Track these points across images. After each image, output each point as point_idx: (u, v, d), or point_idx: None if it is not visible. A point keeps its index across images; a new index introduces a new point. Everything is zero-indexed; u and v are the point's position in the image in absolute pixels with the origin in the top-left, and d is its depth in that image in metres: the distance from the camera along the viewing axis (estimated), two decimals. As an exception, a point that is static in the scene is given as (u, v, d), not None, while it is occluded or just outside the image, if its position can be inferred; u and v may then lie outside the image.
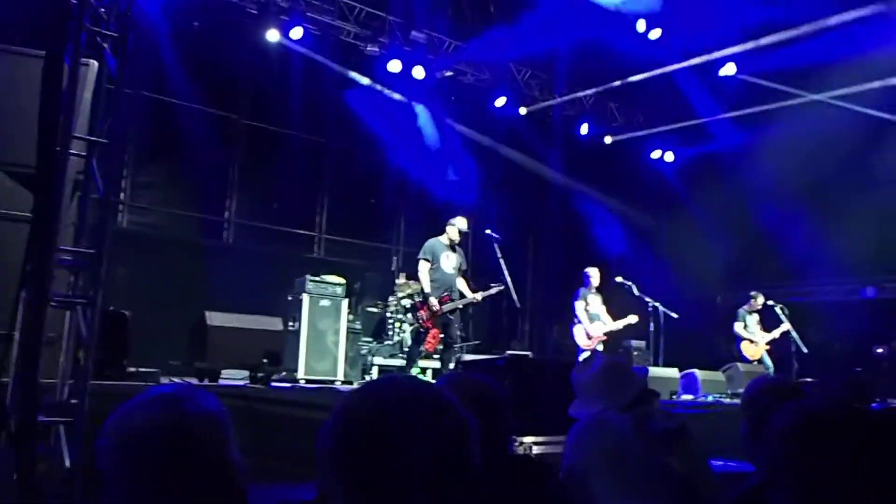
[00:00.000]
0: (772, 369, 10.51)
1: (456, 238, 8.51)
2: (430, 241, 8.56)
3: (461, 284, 8.54)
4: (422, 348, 8.60)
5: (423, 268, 8.40)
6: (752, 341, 10.83)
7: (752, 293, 11.09)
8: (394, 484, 1.13)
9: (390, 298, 10.40)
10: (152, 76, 10.15)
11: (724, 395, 9.47)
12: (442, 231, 8.60)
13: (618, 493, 2.65)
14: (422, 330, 8.49)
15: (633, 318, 9.90)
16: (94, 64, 5.01)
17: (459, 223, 8.54)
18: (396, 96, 12.25)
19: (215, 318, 6.87)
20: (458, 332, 8.55)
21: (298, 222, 12.33)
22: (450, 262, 8.45)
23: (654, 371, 9.46)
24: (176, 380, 6.49)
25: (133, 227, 10.71)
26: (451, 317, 8.39)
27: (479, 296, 8.47)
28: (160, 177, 11.21)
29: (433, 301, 8.24)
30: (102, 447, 1.61)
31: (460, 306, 8.50)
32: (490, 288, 8.52)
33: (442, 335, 8.58)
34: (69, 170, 4.59)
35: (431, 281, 8.36)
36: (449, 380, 2.67)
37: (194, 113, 10.88)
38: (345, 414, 1.22)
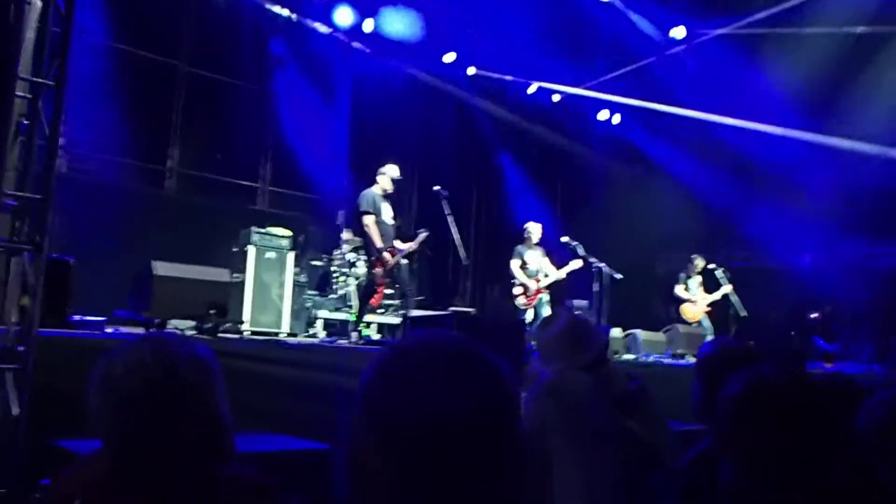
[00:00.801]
0: (711, 331, 10.79)
1: (389, 188, 8.31)
2: (368, 193, 8.26)
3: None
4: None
5: (370, 221, 8.10)
6: (692, 302, 11.11)
7: (692, 256, 11.35)
8: (437, 450, 1.05)
9: (335, 252, 10.36)
10: (92, 20, 9.82)
11: (663, 356, 9.70)
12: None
13: (577, 453, 2.75)
14: (375, 286, 8.44)
15: (575, 263, 9.91)
16: (38, 3, 4.85)
17: (392, 171, 8.32)
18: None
19: (161, 268, 6.78)
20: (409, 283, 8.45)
21: (242, 174, 12.16)
22: (388, 212, 8.32)
23: (596, 330, 9.62)
24: (122, 329, 6.42)
25: (72, 174, 10.42)
26: (399, 269, 8.34)
27: (413, 245, 8.28)
28: (100, 123, 10.89)
29: (386, 256, 8.13)
30: (90, 385, 1.59)
31: (403, 259, 8.36)
32: (417, 235, 8.36)
33: (396, 286, 8.47)
34: (12, 113, 4.48)
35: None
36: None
37: (135, 58, 10.63)
38: (383, 371, 1.12)
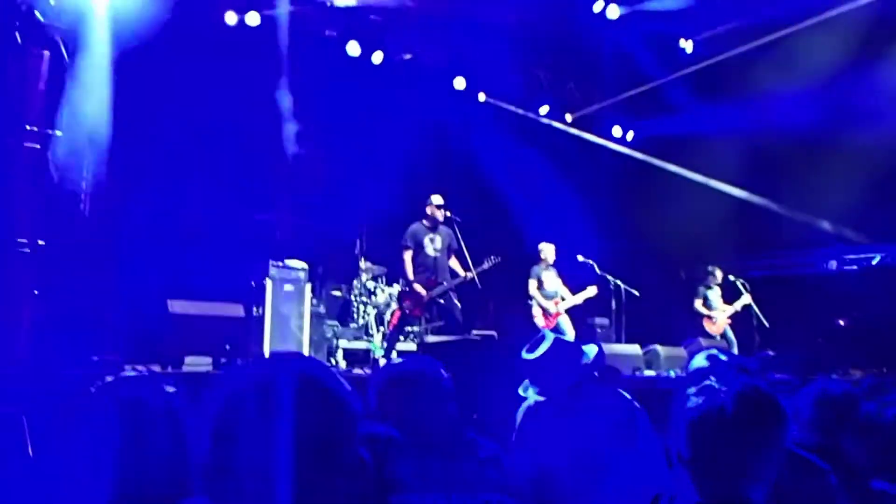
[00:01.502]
0: (734, 344, 10.70)
1: (439, 217, 8.46)
2: (411, 227, 8.53)
3: (454, 265, 8.52)
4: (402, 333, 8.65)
5: (405, 256, 8.40)
6: (709, 318, 11.07)
7: (710, 268, 11.28)
8: (265, 467, 1.13)
9: (354, 282, 10.44)
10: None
11: (684, 372, 9.59)
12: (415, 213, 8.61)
13: (559, 471, 2.70)
14: (409, 317, 8.55)
15: (591, 290, 9.95)
16: (47, 55, 5.02)
17: (434, 200, 8.51)
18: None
19: (177, 307, 6.89)
20: (460, 316, 8.49)
21: (261, 206, 12.27)
22: (434, 244, 8.42)
23: (617, 348, 9.60)
24: (139, 367, 6.52)
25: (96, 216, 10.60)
26: (448, 302, 8.39)
27: (469, 274, 8.41)
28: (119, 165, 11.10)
29: (418, 287, 8.22)
30: None
31: (451, 287, 8.44)
32: (483, 263, 8.49)
33: (442, 322, 8.62)
34: (26, 160, 4.63)
35: (415, 266, 8.34)
36: (385, 370, 2.76)
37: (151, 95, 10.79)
38: (224, 392, 1.22)
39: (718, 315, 11.00)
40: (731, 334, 10.98)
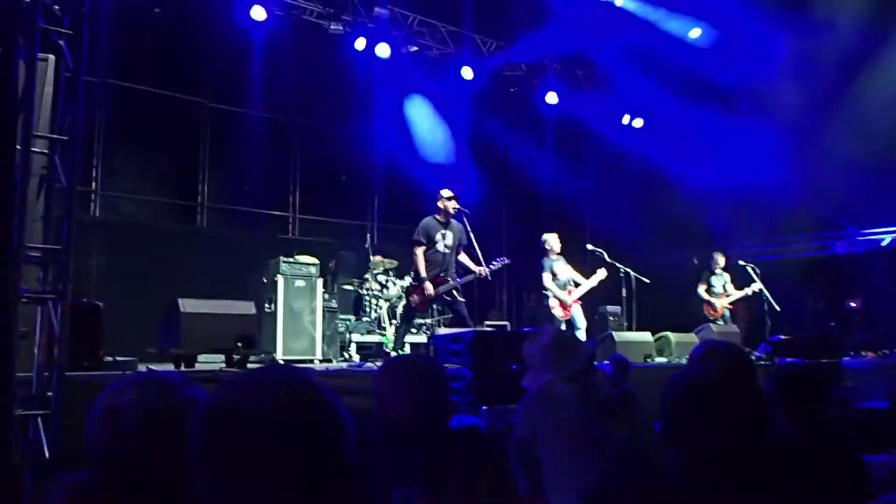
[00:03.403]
0: (734, 327, 10.62)
1: (451, 211, 8.42)
2: (424, 221, 8.45)
3: (465, 260, 8.49)
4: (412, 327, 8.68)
5: (417, 251, 8.32)
6: (709, 303, 11.04)
7: (714, 252, 11.24)
8: (257, 483, 1.13)
9: (366, 276, 10.49)
10: (118, 64, 10.13)
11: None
12: (426, 206, 8.60)
13: (565, 459, 2.83)
14: (416, 312, 8.60)
15: (602, 273, 9.87)
16: (52, 58, 5.05)
17: (443, 193, 8.48)
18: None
19: (188, 305, 6.93)
20: (464, 310, 8.40)
21: (271, 203, 12.39)
22: (445, 240, 8.38)
23: (628, 336, 9.59)
24: (153, 367, 6.58)
25: (106, 216, 10.74)
26: (453, 297, 8.35)
27: (483, 270, 8.35)
28: (131, 164, 11.22)
29: (427, 286, 8.23)
30: (91, 417, 1.68)
31: (459, 285, 8.41)
32: (493, 264, 8.45)
33: (451, 316, 8.61)
34: (34, 166, 4.67)
35: (426, 262, 8.31)
36: (391, 361, 2.79)
37: (160, 98, 10.92)
38: (212, 409, 1.20)
39: (718, 301, 10.96)
40: (729, 319, 10.92)
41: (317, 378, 1.26)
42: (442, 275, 8.31)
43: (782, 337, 9.36)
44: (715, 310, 10.97)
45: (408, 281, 9.84)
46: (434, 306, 9.30)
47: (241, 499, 1.13)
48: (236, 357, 6.85)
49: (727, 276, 11.13)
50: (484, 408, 5.80)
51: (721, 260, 11.14)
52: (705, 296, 11.06)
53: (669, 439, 1.92)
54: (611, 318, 10.86)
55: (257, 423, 1.14)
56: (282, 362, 7.99)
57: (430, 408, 2.40)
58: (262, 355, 8.14)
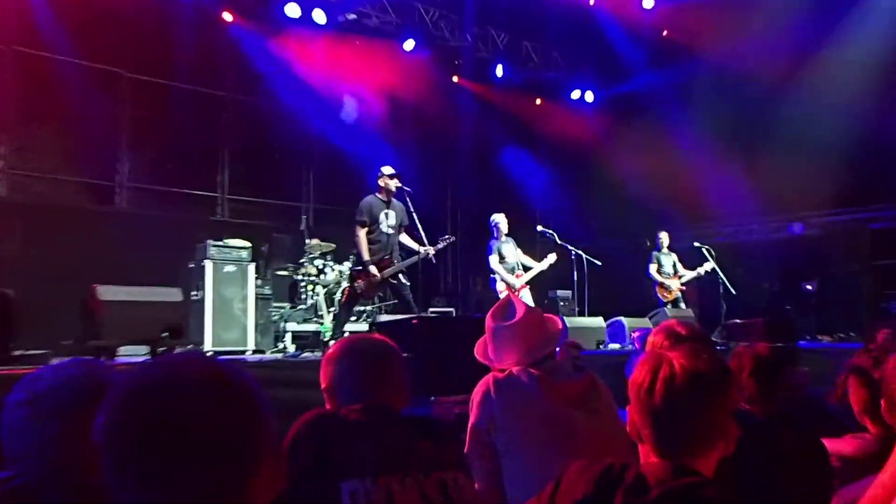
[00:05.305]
0: (689, 311, 10.42)
1: (392, 189, 7.82)
2: (366, 200, 7.83)
3: (406, 241, 7.95)
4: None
5: (360, 232, 7.69)
6: (662, 285, 10.78)
7: (659, 233, 11.00)
8: (172, 467, 1.08)
9: (301, 260, 9.87)
10: (27, 30, 9.32)
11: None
12: (363, 185, 8.10)
13: (530, 450, 2.69)
14: (361, 298, 8.12)
15: (552, 257, 9.50)
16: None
17: (384, 170, 7.89)
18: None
19: (107, 293, 6.33)
20: (409, 295, 7.89)
21: (198, 183, 11.63)
22: (389, 220, 7.82)
23: (580, 321, 9.27)
24: (67, 361, 5.92)
25: (16, 197, 9.88)
26: (398, 281, 7.83)
27: (430, 250, 7.76)
28: (43, 140, 10.31)
29: (373, 269, 7.66)
30: (7, 405, 1.60)
31: (404, 268, 7.86)
32: (438, 243, 7.93)
33: (395, 301, 8.16)
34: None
35: (370, 244, 7.71)
36: (339, 344, 2.49)
37: (76, 69, 10.07)
38: (127, 394, 1.14)
39: (671, 282, 10.70)
40: (681, 302, 10.70)
41: (245, 369, 1.23)
42: (387, 257, 7.77)
43: (737, 321, 9.13)
44: (669, 291, 10.70)
45: (346, 266, 9.33)
46: (377, 292, 8.72)
47: (160, 483, 1.08)
48: (161, 349, 6.34)
49: (675, 256, 10.90)
50: (432, 398, 5.41)
51: (666, 239, 10.89)
52: (657, 276, 10.79)
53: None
54: (561, 303, 10.55)
55: (178, 402, 1.10)
56: (210, 354, 7.37)
57: (381, 394, 2.29)
58: (190, 346, 7.55)
